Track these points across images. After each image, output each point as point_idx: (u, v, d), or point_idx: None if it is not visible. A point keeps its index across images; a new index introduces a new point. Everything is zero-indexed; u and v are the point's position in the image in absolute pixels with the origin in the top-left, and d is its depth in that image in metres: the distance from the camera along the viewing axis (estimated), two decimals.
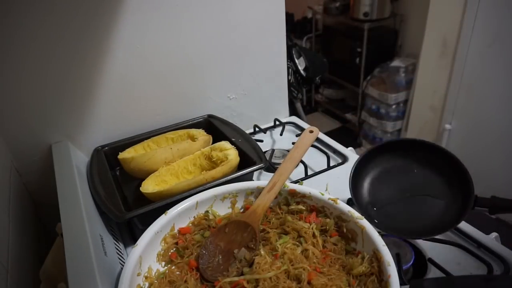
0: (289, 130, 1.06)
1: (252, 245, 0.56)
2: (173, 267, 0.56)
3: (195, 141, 0.83)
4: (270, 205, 0.62)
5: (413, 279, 0.57)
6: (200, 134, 0.85)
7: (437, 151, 0.65)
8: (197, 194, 0.63)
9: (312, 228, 0.58)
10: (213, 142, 0.85)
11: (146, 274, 0.53)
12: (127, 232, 0.71)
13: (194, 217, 0.62)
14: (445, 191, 0.61)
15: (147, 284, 0.53)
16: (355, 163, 0.66)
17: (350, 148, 0.95)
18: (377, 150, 0.68)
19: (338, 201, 0.59)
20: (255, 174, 0.82)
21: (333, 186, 0.72)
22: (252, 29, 0.94)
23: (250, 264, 0.54)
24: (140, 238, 0.54)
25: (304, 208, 0.62)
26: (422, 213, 0.60)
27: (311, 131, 0.70)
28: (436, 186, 0.62)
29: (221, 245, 0.58)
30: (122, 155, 0.80)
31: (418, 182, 0.64)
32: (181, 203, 0.61)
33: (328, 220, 0.60)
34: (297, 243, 0.57)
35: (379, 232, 0.53)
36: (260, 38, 0.96)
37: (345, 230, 0.58)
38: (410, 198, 0.61)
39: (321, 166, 0.87)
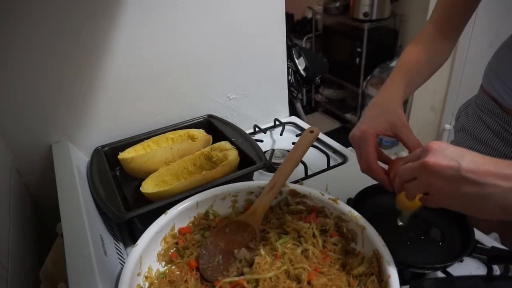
0: (289, 130, 1.06)
1: (252, 245, 0.56)
2: (173, 267, 0.56)
3: (195, 141, 0.83)
4: (271, 205, 0.62)
5: (413, 279, 0.57)
6: (200, 134, 0.85)
7: None
8: (197, 194, 0.62)
9: (312, 228, 0.58)
10: (213, 142, 0.85)
11: (146, 274, 0.53)
12: (127, 232, 0.71)
13: (194, 217, 0.62)
14: (444, 235, 0.61)
15: (147, 284, 0.53)
16: (355, 196, 0.66)
17: (350, 148, 0.95)
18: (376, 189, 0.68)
19: (338, 201, 0.59)
20: (255, 174, 0.82)
21: (333, 186, 0.72)
22: (252, 29, 0.94)
23: (250, 264, 0.54)
24: (140, 238, 0.54)
25: (304, 208, 0.62)
26: (419, 250, 0.60)
27: (312, 131, 0.70)
28: (436, 229, 0.62)
29: (221, 245, 0.57)
30: (122, 155, 0.80)
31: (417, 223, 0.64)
32: (181, 203, 0.61)
33: (328, 220, 0.60)
34: (297, 243, 0.57)
35: None
36: (260, 38, 0.96)
37: (345, 230, 0.58)
38: (409, 237, 0.61)
39: (321, 166, 0.87)
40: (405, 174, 0.47)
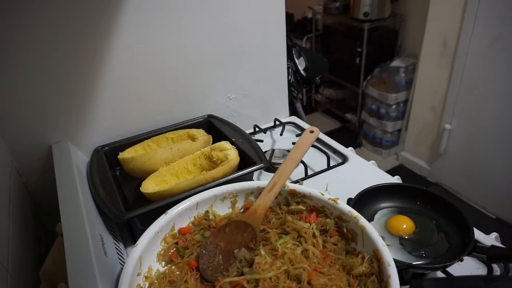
0: (289, 130, 1.06)
1: (252, 245, 0.56)
2: (173, 267, 0.56)
3: (195, 141, 0.83)
4: (271, 205, 0.62)
5: (413, 279, 0.57)
6: (200, 134, 0.85)
7: (436, 198, 0.66)
8: (197, 194, 0.63)
9: (312, 228, 0.58)
10: (213, 142, 0.85)
11: (146, 274, 0.53)
12: (127, 232, 0.71)
13: (194, 217, 0.62)
14: (444, 235, 0.61)
15: (147, 284, 0.53)
16: (355, 196, 0.66)
17: (350, 148, 0.95)
18: (379, 189, 0.69)
19: (338, 201, 0.59)
20: (255, 174, 0.82)
21: (333, 186, 0.72)
22: (252, 29, 0.94)
23: (250, 264, 0.54)
24: (140, 238, 0.54)
25: (304, 208, 0.62)
26: (419, 250, 0.60)
27: (312, 131, 0.70)
28: (436, 228, 0.62)
29: (221, 245, 0.57)
30: (122, 155, 0.80)
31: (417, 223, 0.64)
32: (181, 203, 0.61)
33: (328, 220, 0.60)
34: (297, 243, 0.57)
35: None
36: (260, 38, 0.96)
37: (345, 230, 0.58)
38: (409, 237, 0.62)
39: (321, 166, 0.87)
40: None
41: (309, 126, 0.81)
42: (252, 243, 0.57)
